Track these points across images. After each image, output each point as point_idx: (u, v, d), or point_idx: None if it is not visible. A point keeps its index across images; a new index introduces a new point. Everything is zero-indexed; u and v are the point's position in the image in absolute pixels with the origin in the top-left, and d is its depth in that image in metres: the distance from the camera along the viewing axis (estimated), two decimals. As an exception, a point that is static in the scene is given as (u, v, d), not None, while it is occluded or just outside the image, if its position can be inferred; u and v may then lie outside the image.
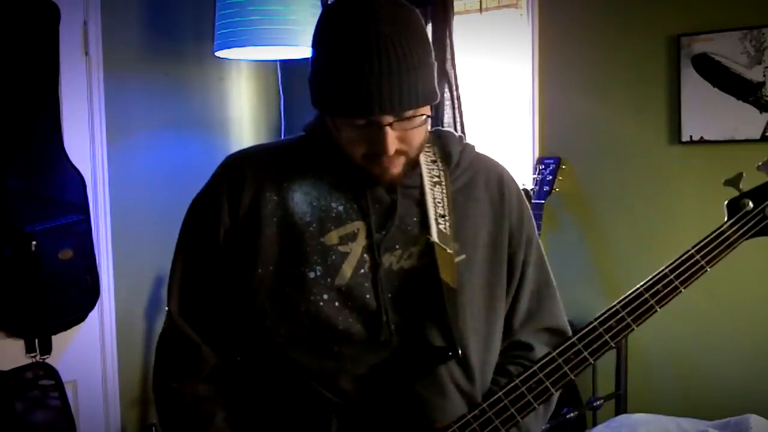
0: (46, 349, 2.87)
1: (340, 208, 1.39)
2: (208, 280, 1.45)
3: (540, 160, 3.32)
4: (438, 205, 1.43)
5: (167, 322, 1.49)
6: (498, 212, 1.49)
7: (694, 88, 3.02)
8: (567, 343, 1.39)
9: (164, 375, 1.48)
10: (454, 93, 3.37)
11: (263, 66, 3.75)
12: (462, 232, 1.44)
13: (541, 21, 3.36)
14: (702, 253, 1.39)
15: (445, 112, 3.36)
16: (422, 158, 1.45)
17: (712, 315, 3.05)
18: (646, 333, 3.02)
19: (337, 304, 1.36)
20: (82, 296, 2.94)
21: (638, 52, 3.15)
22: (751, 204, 1.42)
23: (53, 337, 2.89)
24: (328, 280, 1.36)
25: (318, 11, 3.07)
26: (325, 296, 1.36)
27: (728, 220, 1.42)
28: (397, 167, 1.36)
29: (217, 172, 1.48)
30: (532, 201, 3.23)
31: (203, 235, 1.45)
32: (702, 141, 3.03)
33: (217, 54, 3.21)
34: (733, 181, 1.44)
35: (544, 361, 1.38)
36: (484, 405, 1.38)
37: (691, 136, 3.05)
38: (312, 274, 1.36)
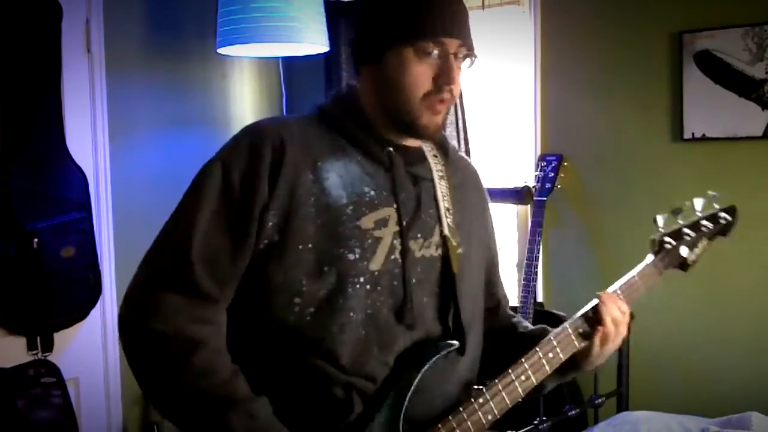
0: (48, 346, 2.86)
1: (372, 193, 1.42)
2: (231, 243, 1.36)
3: (542, 157, 3.32)
4: (444, 198, 1.50)
5: (177, 265, 1.37)
6: (484, 207, 1.66)
7: (696, 85, 3.02)
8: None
9: (168, 317, 1.34)
10: (456, 90, 3.37)
11: (266, 63, 3.75)
12: (461, 227, 1.53)
13: (543, 18, 3.36)
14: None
15: (447, 109, 3.35)
16: (426, 151, 1.53)
17: (713, 313, 3.05)
18: (648, 331, 3.03)
19: (368, 287, 1.38)
20: (84, 294, 2.94)
21: (640, 49, 3.14)
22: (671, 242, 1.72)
23: (55, 335, 2.89)
24: (365, 263, 1.38)
25: (321, 8, 3.07)
26: (361, 279, 1.38)
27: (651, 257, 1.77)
28: (443, 113, 1.46)
29: (258, 140, 1.39)
30: (534, 198, 3.23)
31: (239, 196, 1.36)
32: (704, 138, 3.02)
33: (220, 51, 3.20)
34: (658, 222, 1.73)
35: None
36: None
37: (693, 134, 3.04)
38: (351, 256, 1.37)
